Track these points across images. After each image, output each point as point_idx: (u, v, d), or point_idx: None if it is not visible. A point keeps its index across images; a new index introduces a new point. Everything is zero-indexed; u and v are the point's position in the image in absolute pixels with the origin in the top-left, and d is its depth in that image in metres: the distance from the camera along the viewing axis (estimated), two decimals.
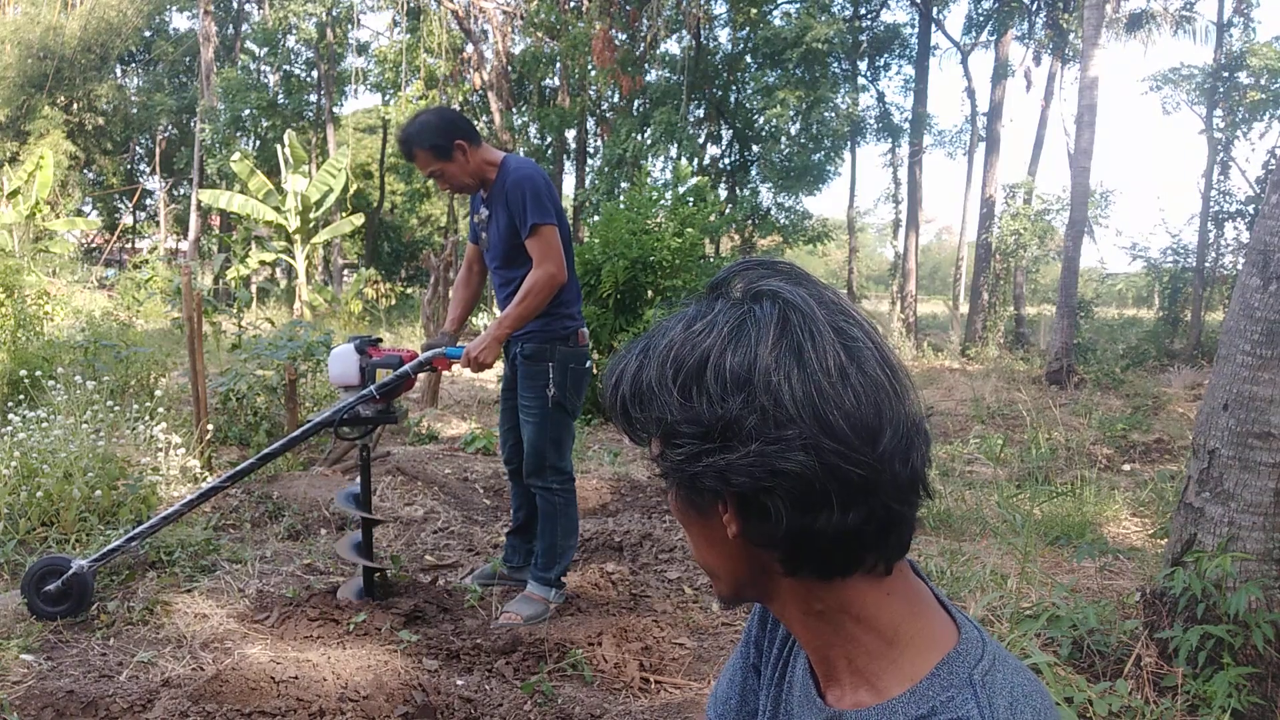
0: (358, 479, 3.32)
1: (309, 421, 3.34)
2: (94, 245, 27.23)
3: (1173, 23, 16.44)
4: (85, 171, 27.80)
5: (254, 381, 6.11)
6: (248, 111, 22.78)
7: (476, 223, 3.51)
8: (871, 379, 0.71)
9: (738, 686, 1.00)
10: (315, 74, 26.08)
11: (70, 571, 3.04)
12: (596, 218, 14.54)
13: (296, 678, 2.57)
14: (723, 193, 20.05)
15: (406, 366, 3.20)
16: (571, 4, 20.20)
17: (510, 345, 3.42)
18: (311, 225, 18.58)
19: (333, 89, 24.75)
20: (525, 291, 3.21)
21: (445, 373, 7.88)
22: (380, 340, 3.32)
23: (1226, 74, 14.02)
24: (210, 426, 5.18)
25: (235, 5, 28.55)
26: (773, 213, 19.87)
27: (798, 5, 18.48)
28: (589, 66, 19.18)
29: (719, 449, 0.71)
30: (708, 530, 0.78)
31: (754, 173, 20.31)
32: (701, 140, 20.78)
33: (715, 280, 0.79)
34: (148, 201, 32.28)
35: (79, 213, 23.84)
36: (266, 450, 3.26)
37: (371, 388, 3.17)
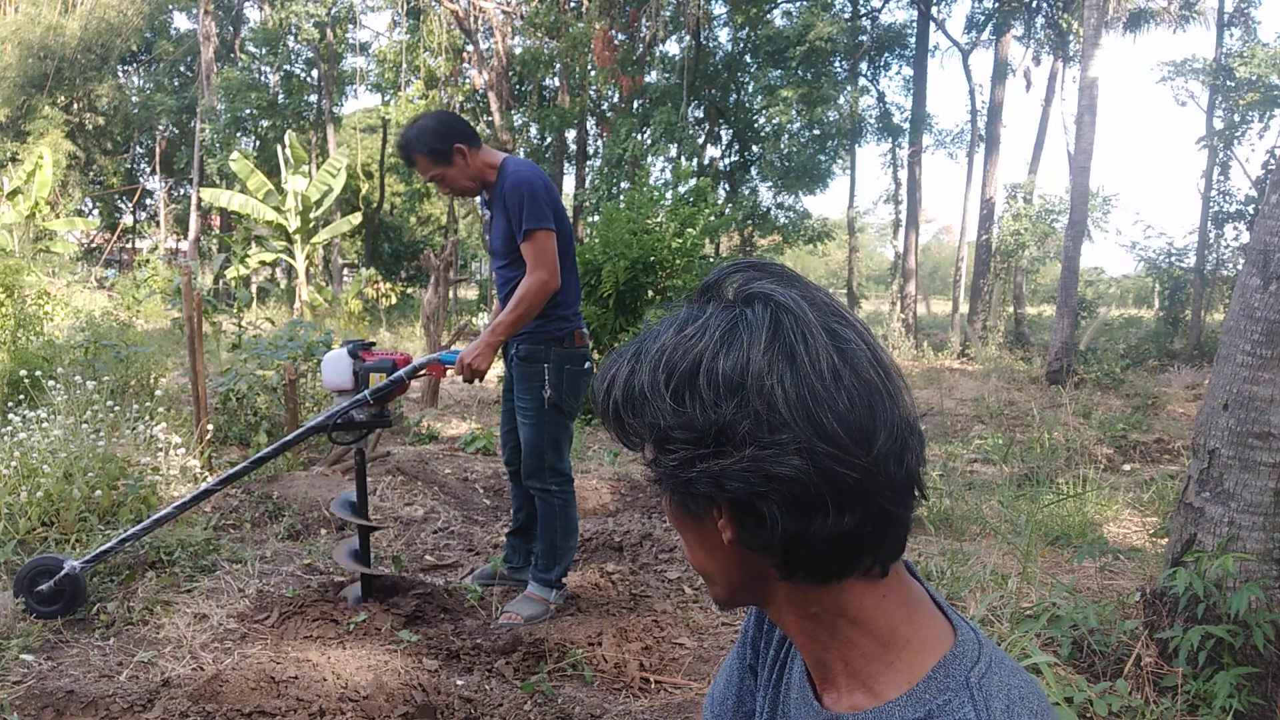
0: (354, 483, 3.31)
1: (304, 425, 3.33)
2: (94, 245, 27.25)
3: (1174, 21, 16.43)
4: (85, 171, 27.80)
5: (254, 381, 6.10)
6: (248, 111, 22.81)
7: (484, 224, 3.53)
8: (865, 381, 0.71)
9: (734, 687, 0.99)
10: (315, 74, 26.09)
11: (62, 572, 3.04)
12: (596, 218, 14.54)
13: (296, 678, 2.57)
14: (723, 193, 20.05)
15: (400, 372, 3.16)
16: (571, 4, 20.20)
17: (508, 346, 3.42)
18: (311, 225, 18.59)
19: (333, 89, 24.75)
20: (518, 299, 3.20)
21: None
22: (374, 344, 3.30)
23: (1226, 72, 14.01)
24: (210, 426, 5.17)
25: (235, 5, 28.55)
26: (773, 213, 19.88)
27: (800, 3, 18.49)
28: (589, 66, 19.18)
29: (713, 455, 0.71)
30: (702, 535, 0.78)
31: (754, 173, 20.31)
32: (701, 140, 20.77)
33: (706, 283, 0.78)
34: (148, 201, 32.32)
35: (79, 213, 23.87)
36: (259, 454, 3.24)
37: (365, 392, 3.14)
